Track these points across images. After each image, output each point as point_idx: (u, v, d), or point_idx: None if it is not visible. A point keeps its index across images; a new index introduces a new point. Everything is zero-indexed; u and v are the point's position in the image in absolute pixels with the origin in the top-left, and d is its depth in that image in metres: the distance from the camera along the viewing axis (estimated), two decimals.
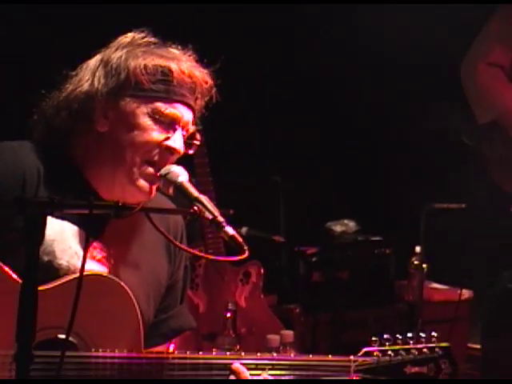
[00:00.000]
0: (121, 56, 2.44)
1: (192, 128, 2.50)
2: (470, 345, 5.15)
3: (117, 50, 2.47)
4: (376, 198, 5.77)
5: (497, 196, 4.52)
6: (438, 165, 5.52)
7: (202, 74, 2.48)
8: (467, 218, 4.86)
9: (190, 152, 2.52)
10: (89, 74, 2.46)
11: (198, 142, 2.53)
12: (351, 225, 5.32)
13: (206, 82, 2.49)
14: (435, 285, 5.30)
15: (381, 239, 5.26)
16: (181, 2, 5.08)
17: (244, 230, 4.54)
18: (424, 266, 4.65)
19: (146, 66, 2.41)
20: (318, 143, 5.78)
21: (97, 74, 2.45)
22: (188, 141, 2.50)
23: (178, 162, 2.48)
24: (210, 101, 2.53)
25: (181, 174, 2.42)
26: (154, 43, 2.51)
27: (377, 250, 5.21)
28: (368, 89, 5.63)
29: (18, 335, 2.00)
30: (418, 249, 4.66)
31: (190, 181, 2.43)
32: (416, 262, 4.65)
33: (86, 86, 2.44)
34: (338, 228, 5.29)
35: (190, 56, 2.50)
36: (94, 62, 2.48)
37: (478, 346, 4.96)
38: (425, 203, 5.13)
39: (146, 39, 2.50)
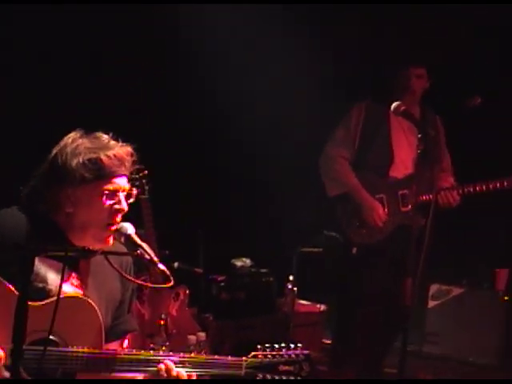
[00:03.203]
0: (65, 158, 2.40)
1: (128, 186, 2.46)
2: (323, 340, 5.22)
3: (62, 152, 2.41)
4: (265, 243, 5.77)
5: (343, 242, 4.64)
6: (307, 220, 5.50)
7: (125, 150, 2.43)
8: (323, 258, 4.97)
9: (131, 200, 2.47)
10: (49, 172, 2.43)
11: (135, 192, 2.48)
12: (247, 261, 5.29)
13: (130, 155, 2.45)
14: (302, 301, 5.31)
15: (267, 271, 5.24)
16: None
17: (176, 264, 4.50)
18: (295, 288, 4.73)
19: (83, 162, 2.38)
20: (228, 208, 5.79)
21: (51, 174, 2.41)
22: (128, 193, 2.46)
23: (130, 219, 2.47)
24: (134, 163, 2.46)
25: (129, 228, 2.44)
26: (89, 138, 2.43)
27: (264, 278, 5.19)
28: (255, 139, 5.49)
29: (13, 338, 2.02)
30: (291, 277, 4.75)
31: (136, 232, 2.44)
32: (289, 286, 4.74)
33: (52, 180, 2.41)
34: (238, 263, 5.27)
35: (115, 140, 2.45)
36: (51, 159, 2.43)
37: (329, 342, 5.07)
38: (296, 247, 5.16)
39: (80, 140, 2.43)
